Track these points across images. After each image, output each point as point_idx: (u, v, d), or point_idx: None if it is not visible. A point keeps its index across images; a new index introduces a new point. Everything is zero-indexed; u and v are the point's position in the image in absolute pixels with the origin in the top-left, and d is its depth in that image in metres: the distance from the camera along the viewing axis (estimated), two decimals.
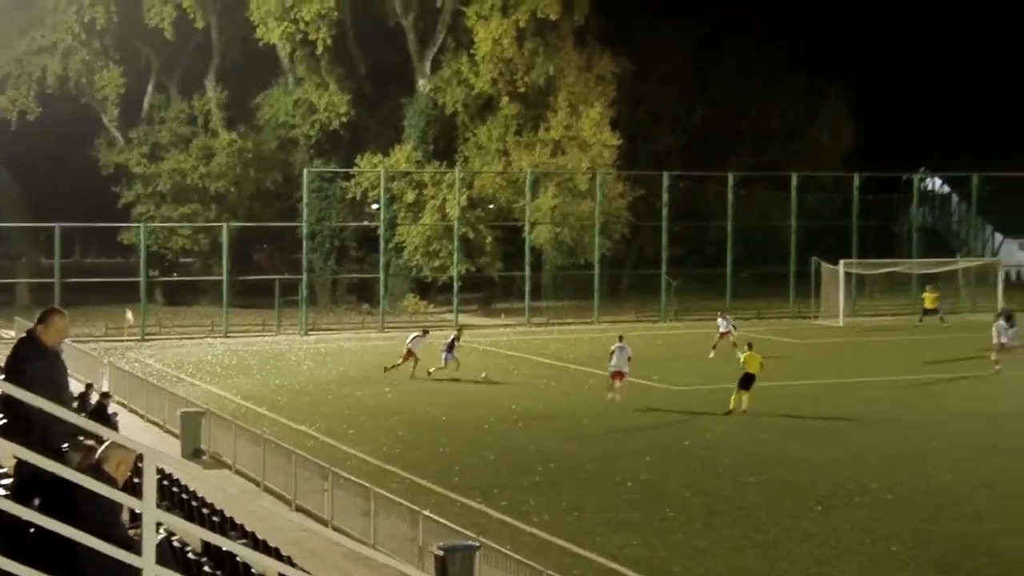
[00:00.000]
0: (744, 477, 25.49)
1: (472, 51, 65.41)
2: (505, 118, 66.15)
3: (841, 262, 59.25)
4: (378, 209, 61.69)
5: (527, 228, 62.02)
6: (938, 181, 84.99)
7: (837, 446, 28.94)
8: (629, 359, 35.12)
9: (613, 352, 35.25)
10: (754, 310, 60.51)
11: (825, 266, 60.13)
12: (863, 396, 36.27)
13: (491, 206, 65.14)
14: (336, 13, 64.60)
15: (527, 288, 60.74)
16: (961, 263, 64.49)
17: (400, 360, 39.69)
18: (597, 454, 27.97)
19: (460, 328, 44.94)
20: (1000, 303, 57.31)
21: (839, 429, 31.23)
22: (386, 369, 39.62)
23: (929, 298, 58.36)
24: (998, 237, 79.96)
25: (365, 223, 66.60)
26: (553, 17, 64.34)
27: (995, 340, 41.74)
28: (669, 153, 77.16)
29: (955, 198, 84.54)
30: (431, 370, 39.33)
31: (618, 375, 35.04)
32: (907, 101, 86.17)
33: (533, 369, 42.49)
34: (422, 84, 67.44)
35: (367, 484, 21.52)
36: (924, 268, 63.13)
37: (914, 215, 71.52)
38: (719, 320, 47.13)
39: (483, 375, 39.60)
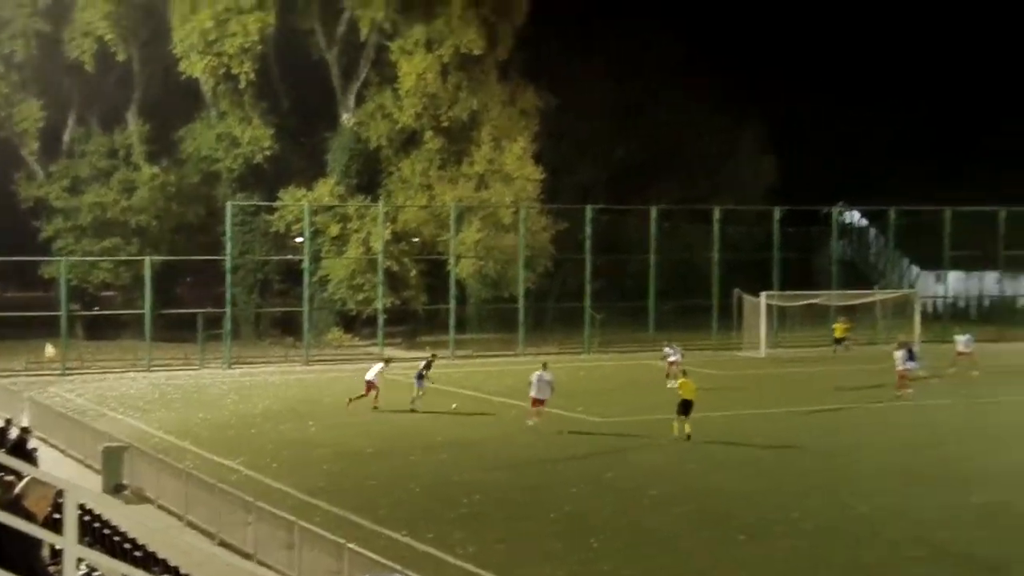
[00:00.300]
0: (670, 508, 25.72)
1: (396, 86, 65.50)
2: (429, 152, 66.22)
3: (763, 294, 59.99)
4: (302, 243, 61.48)
5: (451, 261, 62.17)
6: (856, 215, 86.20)
7: (760, 476, 29.30)
8: (552, 388, 35.45)
9: (533, 380, 35.57)
10: (678, 342, 60.84)
11: (747, 298, 60.80)
12: (784, 426, 36.77)
13: (415, 240, 65.15)
14: (259, 47, 64.39)
15: (452, 321, 60.81)
16: (878, 295, 65.40)
17: (364, 392, 39.56)
18: (522, 485, 28.06)
19: (433, 355, 44.03)
20: (917, 334, 58.38)
21: (762, 459, 31.62)
22: (349, 400, 39.44)
23: (839, 328, 59.91)
24: (914, 270, 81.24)
25: (289, 257, 66.26)
26: (477, 52, 64.65)
27: (899, 367, 42.94)
28: (592, 187, 77.38)
29: (873, 231, 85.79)
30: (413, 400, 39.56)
31: (539, 402, 35.32)
32: (827, 136, 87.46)
33: (458, 401, 42.45)
34: (346, 118, 67.41)
35: (291, 517, 21.43)
36: (843, 300, 64.09)
37: (833, 248, 72.54)
38: (667, 349, 47.38)
39: (453, 406, 39.59)
